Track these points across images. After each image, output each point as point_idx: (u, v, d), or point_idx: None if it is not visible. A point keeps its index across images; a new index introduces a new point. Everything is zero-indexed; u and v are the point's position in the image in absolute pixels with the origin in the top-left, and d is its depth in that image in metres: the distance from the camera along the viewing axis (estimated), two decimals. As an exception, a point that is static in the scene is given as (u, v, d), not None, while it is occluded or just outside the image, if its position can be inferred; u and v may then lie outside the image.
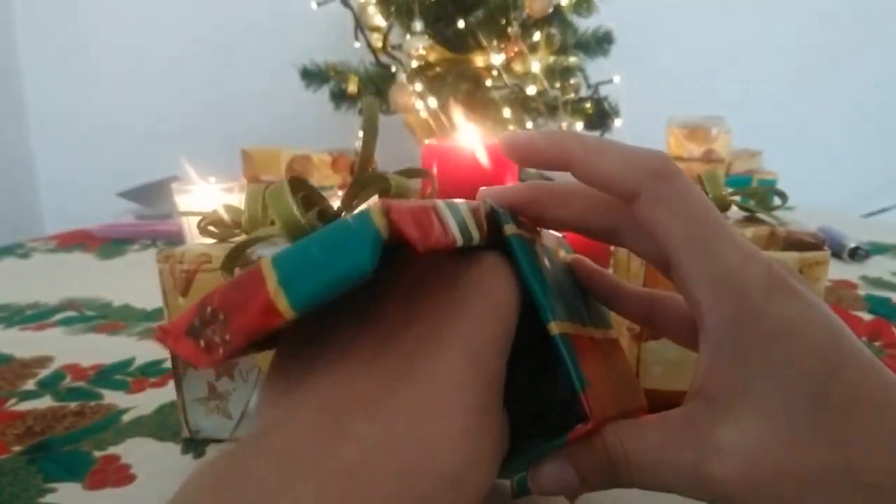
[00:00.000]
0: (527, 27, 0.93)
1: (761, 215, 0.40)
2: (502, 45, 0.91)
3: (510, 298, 0.21)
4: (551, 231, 0.26)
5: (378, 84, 0.96)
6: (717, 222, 0.20)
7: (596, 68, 1.00)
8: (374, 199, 0.26)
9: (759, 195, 0.43)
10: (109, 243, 0.92)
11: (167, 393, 0.45)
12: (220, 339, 0.18)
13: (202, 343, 0.18)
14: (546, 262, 0.24)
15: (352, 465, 0.15)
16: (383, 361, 0.18)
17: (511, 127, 0.95)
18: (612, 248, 0.51)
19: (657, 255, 0.22)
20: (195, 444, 0.37)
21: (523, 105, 0.95)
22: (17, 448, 0.39)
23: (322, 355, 0.19)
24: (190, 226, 0.66)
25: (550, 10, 0.92)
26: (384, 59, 0.97)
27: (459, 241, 0.19)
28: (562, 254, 0.27)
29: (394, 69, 0.95)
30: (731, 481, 0.19)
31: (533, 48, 0.94)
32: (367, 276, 0.16)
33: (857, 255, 0.74)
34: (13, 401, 0.45)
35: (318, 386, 0.18)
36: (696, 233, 0.20)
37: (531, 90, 0.93)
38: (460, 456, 0.17)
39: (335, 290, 0.16)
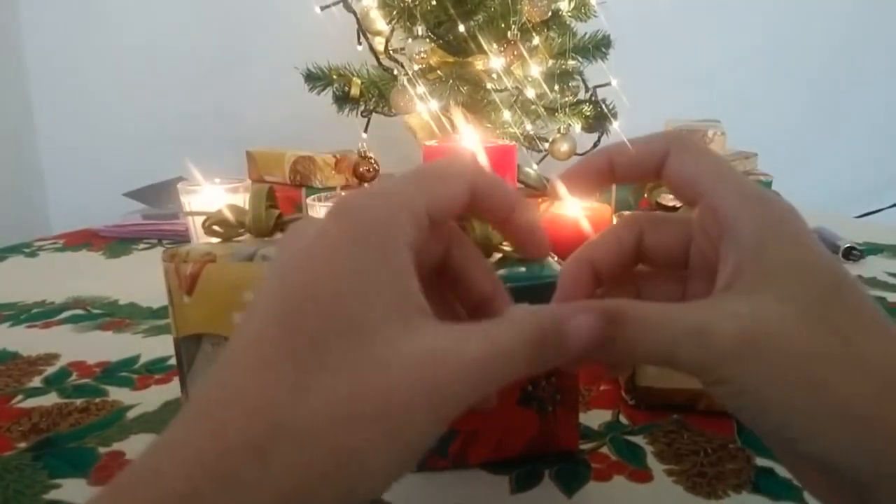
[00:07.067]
0: (526, 31, 0.94)
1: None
2: (502, 49, 0.92)
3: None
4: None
5: (380, 87, 0.97)
6: (729, 163, 0.24)
7: (594, 72, 1.01)
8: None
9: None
10: (116, 242, 0.92)
11: (172, 390, 0.46)
12: None
13: None
14: None
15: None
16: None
17: (510, 129, 0.96)
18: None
19: (682, 195, 0.25)
20: (199, 439, 0.38)
21: (523, 108, 0.96)
22: (22, 445, 0.39)
23: None
24: (195, 225, 0.67)
25: (549, 14, 0.93)
26: (386, 62, 0.98)
27: None
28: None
29: (396, 72, 0.96)
30: (734, 341, 0.19)
31: (532, 52, 0.95)
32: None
33: (851, 255, 0.74)
34: (19, 398, 0.45)
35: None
36: (718, 167, 0.23)
37: (530, 93, 0.94)
38: (249, 417, 0.17)
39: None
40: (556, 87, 0.98)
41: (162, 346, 0.54)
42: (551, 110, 0.96)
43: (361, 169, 0.90)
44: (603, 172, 0.25)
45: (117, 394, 0.46)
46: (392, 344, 0.18)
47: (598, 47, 0.98)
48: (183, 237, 0.91)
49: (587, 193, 0.26)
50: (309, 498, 0.17)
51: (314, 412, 0.17)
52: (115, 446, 0.39)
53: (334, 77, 0.99)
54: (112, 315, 0.63)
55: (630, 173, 0.25)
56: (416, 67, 0.93)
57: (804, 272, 0.20)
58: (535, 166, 1.02)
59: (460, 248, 0.24)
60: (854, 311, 0.20)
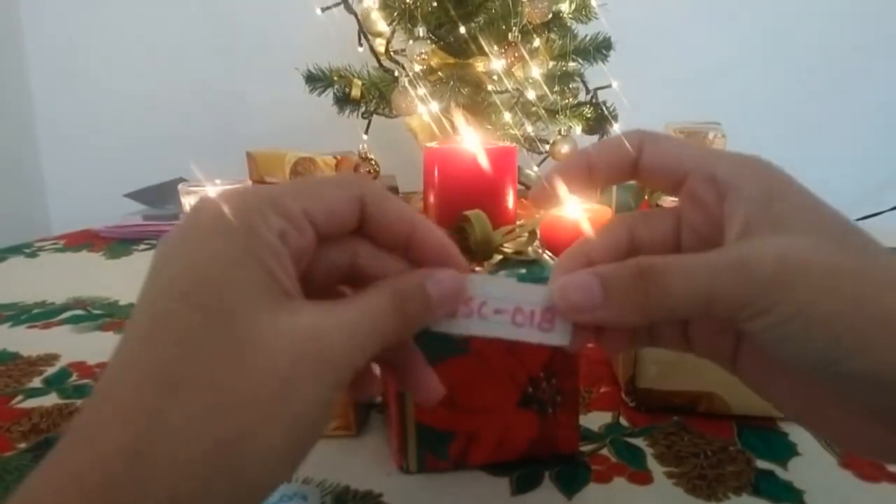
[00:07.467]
0: (527, 33, 0.94)
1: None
2: (503, 51, 0.92)
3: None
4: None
5: (381, 88, 0.97)
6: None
7: (595, 73, 1.01)
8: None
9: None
10: (116, 243, 0.93)
11: (172, 390, 0.46)
12: None
13: None
14: None
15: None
16: None
17: (511, 131, 0.96)
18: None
19: (663, 179, 0.25)
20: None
21: (523, 109, 0.96)
22: (22, 445, 0.39)
23: None
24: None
25: (550, 16, 0.93)
26: (387, 63, 0.98)
27: None
28: None
29: (396, 73, 0.96)
30: (776, 266, 0.20)
31: (533, 54, 0.95)
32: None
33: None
34: (19, 398, 0.46)
35: None
36: (697, 147, 0.24)
37: (531, 95, 0.94)
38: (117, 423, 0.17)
39: None
40: (557, 89, 0.98)
41: (162, 347, 0.54)
42: (552, 112, 0.96)
43: (362, 170, 0.90)
44: (582, 175, 0.25)
45: (117, 394, 0.46)
46: (262, 325, 0.18)
47: (598, 49, 0.98)
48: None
49: (573, 193, 0.26)
50: (201, 492, 0.16)
51: (189, 405, 0.17)
52: (116, 447, 0.39)
53: (335, 78, 0.99)
54: (112, 315, 0.63)
55: (607, 171, 0.25)
56: (416, 69, 0.93)
57: (818, 214, 0.21)
58: (535, 168, 1.02)
59: (369, 257, 0.23)
60: (871, 241, 0.21)
